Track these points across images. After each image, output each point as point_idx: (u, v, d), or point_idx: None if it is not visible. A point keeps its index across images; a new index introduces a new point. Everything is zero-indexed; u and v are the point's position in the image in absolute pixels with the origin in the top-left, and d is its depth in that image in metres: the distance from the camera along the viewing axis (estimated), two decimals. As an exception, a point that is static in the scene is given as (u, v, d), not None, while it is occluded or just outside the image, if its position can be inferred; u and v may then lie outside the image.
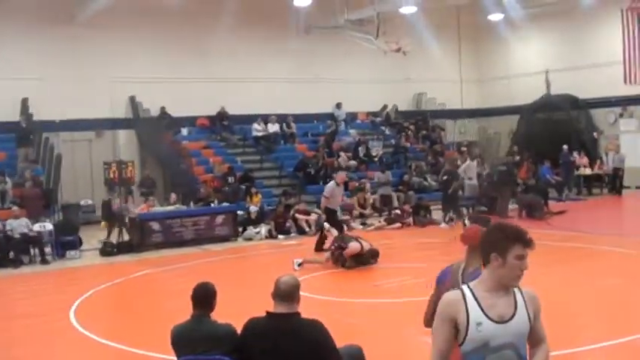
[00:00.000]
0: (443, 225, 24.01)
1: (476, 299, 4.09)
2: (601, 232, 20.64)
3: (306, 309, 6.09)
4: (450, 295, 4.18)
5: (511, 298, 4.16)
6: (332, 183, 19.70)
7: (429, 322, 5.55)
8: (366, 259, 16.57)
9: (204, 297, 6.57)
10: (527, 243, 4.11)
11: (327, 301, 13.27)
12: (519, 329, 4.12)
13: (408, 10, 29.91)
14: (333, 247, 16.85)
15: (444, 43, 36.43)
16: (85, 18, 27.13)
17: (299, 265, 16.51)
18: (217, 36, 30.07)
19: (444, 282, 5.91)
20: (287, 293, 5.91)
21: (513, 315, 4.11)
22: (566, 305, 12.19)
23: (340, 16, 29.76)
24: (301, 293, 6.08)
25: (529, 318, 4.17)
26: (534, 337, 4.29)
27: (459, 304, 4.10)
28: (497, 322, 4.05)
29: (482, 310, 4.06)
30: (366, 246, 16.64)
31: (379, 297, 13.76)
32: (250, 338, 5.98)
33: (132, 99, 29.50)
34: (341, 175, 20.63)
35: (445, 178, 25.53)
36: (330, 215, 19.53)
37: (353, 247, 16.40)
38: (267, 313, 5.94)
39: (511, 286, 4.17)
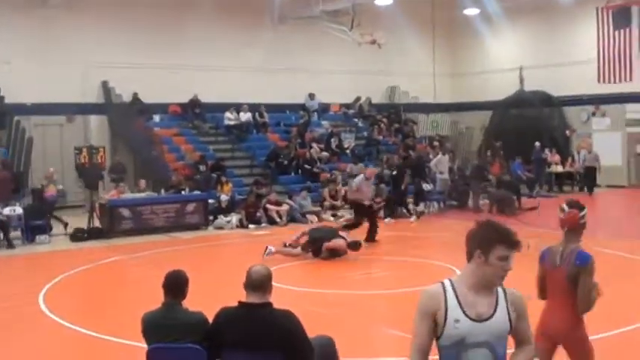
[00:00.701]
0: (413, 219, 24.11)
1: (456, 295, 4.08)
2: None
3: (278, 299, 6.09)
4: (431, 290, 4.16)
5: (493, 298, 4.13)
6: (361, 176, 19.85)
7: (540, 293, 6.69)
8: (342, 252, 16.49)
9: (175, 285, 6.55)
10: (512, 245, 4.09)
11: (298, 291, 13.28)
12: (498, 329, 4.09)
13: (383, 2, 29.96)
14: (304, 241, 16.74)
15: (419, 36, 36.45)
16: (59, 1, 26.93)
17: (268, 254, 16.43)
18: (192, 23, 29.97)
19: (543, 261, 6.57)
20: (259, 283, 5.90)
21: (492, 314, 4.08)
22: (534, 302, 12.25)
23: (315, 7, 29.68)
24: (273, 283, 6.07)
25: (509, 319, 4.14)
26: (518, 338, 4.29)
27: (439, 299, 4.08)
28: (474, 320, 4.03)
29: (461, 307, 4.05)
30: (348, 239, 16.59)
31: (349, 289, 13.81)
32: (222, 327, 5.97)
33: (104, 84, 29.27)
34: (371, 170, 21.39)
35: (394, 173, 25.62)
36: (359, 208, 19.68)
37: (337, 242, 16.35)
38: (239, 302, 5.93)
39: (493, 286, 4.15)
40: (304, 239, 16.77)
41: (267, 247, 16.46)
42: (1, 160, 23.61)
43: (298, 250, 16.67)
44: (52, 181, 23.62)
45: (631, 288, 12.67)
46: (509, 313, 4.15)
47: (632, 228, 20.59)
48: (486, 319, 4.07)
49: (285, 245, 17.00)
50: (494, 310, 4.11)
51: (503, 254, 4.06)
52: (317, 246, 16.40)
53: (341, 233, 16.83)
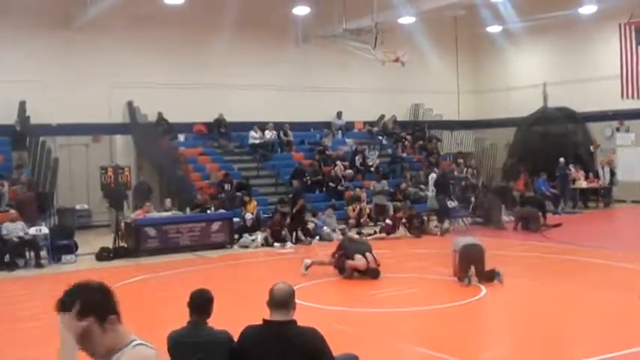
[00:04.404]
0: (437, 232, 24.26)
1: None
2: (596, 245, 20.66)
3: (302, 317, 6.10)
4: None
5: None
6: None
7: None
8: (364, 274, 16.46)
9: (201, 303, 6.60)
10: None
11: (323, 309, 13.28)
12: None
13: (406, 20, 29.97)
14: (338, 254, 16.74)
15: (442, 54, 36.52)
16: (84, 22, 27.19)
17: (307, 268, 16.60)
18: (216, 43, 30.09)
19: None
20: (282, 301, 5.92)
21: None
22: (561, 317, 12.23)
23: (338, 26, 29.79)
24: (297, 301, 6.09)
25: None
26: None
27: None
28: None
29: None
30: (372, 262, 16.49)
31: (374, 307, 13.80)
32: (247, 346, 6.00)
33: (129, 104, 29.44)
34: None
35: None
36: None
37: (358, 261, 16.34)
38: (264, 320, 5.96)
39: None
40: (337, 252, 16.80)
41: (304, 262, 16.74)
42: (26, 180, 23.79)
43: (329, 258, 16.72)
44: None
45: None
46: None
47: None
48: None
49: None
50: None
51: None
52: (343, 260, 16.41)
53: (368, 255, 16.65)
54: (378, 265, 16.53)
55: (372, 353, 9.40)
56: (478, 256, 15.03)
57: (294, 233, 23.18)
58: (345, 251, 16.63)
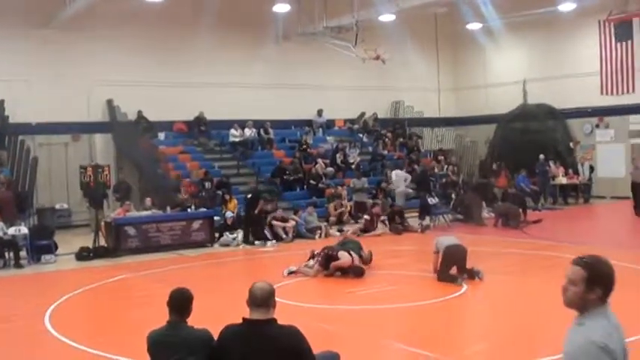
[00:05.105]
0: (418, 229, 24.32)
1: None
2: (576, 241, 20.75)
3: (283, 315, 6.08)
4: None
5: None
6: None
7: None
8: (347, 271, 16.41)
9: (180, 303, 6.56)
10: None
11: (304, 307, 13.26)
12: None
13: (386, 18, 30.01)
14: (321, 254, 16.69)
15: (422, 51, 36.64)
16: (63, 20, 27.04)
17: (290, 272, 16.53)
18: (196, 41, 30.06)
19: None
20: (262, 299, 5.88)
21: None
22: (540, 313, 12.27)
23: (319, 24, 29.81)
24: (278, 299, 6.07)
25: None
26: None
27: None
28: None
29: None
30: (356, 260, 16.46)
31: (355, 304, 13.79)
32: (227, 344, 5.96)
33: (109, 102, 29.37)
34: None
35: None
36: None
37: (343, 260, 16.31)
38: (244, 319, 5.93)
39: None
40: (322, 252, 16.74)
41: (289, 268, 16.72)
42: (5, 179, 23.62)
43: (315, 269, 16.56)
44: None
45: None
46: None
47: None
48: None
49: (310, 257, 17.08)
50: None
51: None
52: (328, 257, 16.38)
53: (353, 253, 16.60)
54: (366, 264, 16.57)
55: (353, 351, 9.40)
56: (461, 256, 15.08)
57: (249, 235, 22.96)
58: (330, 250, 16.61)
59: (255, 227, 23.18)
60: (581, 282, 4.15)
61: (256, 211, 23.37)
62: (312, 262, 16.79)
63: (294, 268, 16.68)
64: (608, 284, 4.16)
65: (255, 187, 24.68)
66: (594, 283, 4.13)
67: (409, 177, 29.37)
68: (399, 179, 27.89)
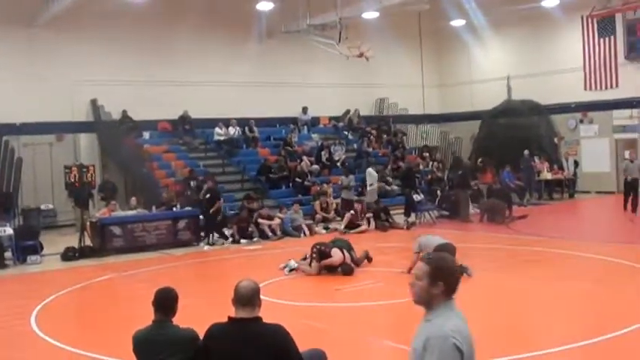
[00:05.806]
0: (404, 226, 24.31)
1: None
2: (561, 236, 20.84)
3: (269, 313, 6.08)
4: None
5: None
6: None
7: None
8: (335, 269, 16.41)
9: (165, 302, 6.55)
10: None
11: (289, 305, 13.26)
12: None
13: (370, 15, 30.03)
14: (314, 250, 16.66)
15: (406, 48, 36.71)
16: (46, 20, 26.98)
17: (290, 270, 16.53)
18: (180, 39, 30.04)
19: None
20: (247, 298, 5.87)
21: None
22: (527, 308, 12.32)
23: (303, 21, 29.74)
24: (263, 298, 6.07)
25: None
26: None
27: None
28: None
29: None
30: (347, 259, 16.44)
31: (341, 301, 13.83)
32: (212, 343, 5.96)
33: (93, 102, 29.28)
34: None
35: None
36: None
37: (335, 257, 16.32)
38: (229, 318, 5.93)
39: None
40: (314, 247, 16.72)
41: (287, 264, 16.72)
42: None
43: (313, 267, 16.54)
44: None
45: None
46: None
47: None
48: None
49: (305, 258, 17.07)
50: None
51: None
52: (322, 257, 16.36)
53: (345, 251, 16.61)
54: (357, 265, 16.59)
55: (339, 348, 9.40)
56: (451, 253, 15.07)
57: (210, 235, 22.90)
58: (322, 247, 16.60)
59: (214, 227, 23.10)
60: (425, 276, 4.45)
61: (211, 211, 23.15)
62: (307, 260, 16.79)
63: (294, 265, 16.70)
64: (449, 278, 4.47)
65: (212, 186, 24.37)
66: (436, 277, 4.43)
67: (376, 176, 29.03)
68: (372, 178, 27.82)
